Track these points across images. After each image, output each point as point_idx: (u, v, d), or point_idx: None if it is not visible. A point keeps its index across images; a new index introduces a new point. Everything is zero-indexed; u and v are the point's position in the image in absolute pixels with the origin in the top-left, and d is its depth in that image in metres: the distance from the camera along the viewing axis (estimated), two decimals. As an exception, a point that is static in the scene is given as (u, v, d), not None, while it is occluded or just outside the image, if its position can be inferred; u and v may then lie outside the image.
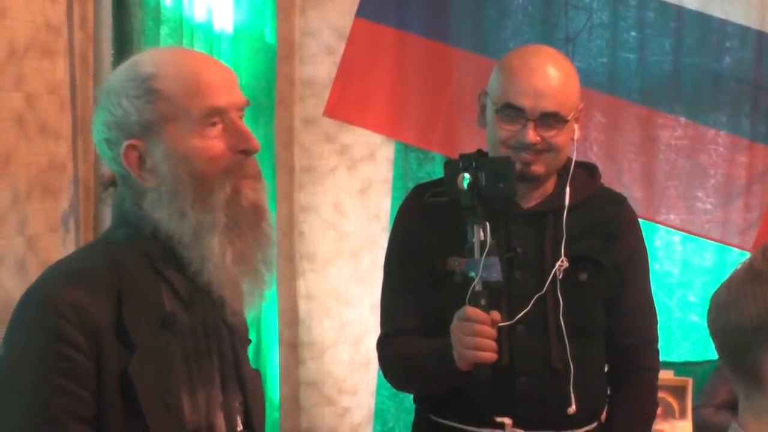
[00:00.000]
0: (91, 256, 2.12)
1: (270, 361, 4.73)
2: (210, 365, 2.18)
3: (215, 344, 2.19)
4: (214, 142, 2.10)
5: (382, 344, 3.07)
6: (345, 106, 4.34)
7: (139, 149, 2.08)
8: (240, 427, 2.23)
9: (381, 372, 3.19)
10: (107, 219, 3.18)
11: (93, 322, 2.00)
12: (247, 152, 2.13)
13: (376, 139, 4.87)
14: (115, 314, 2.03)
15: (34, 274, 2.85)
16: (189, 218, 2.07)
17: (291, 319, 4.83)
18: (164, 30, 3.60)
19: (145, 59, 2.15)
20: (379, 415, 4.97)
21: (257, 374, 2.33)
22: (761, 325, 1.82)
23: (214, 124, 2.10)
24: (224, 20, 4.22)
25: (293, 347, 4.90)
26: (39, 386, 1.98)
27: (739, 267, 1.90)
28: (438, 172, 4.69)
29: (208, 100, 2.09)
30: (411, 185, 3.91)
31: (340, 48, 4.42)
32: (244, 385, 2.25)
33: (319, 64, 4.83)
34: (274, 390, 4.79)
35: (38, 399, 1.98)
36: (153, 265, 2.10)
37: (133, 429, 2.03)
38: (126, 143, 2.08)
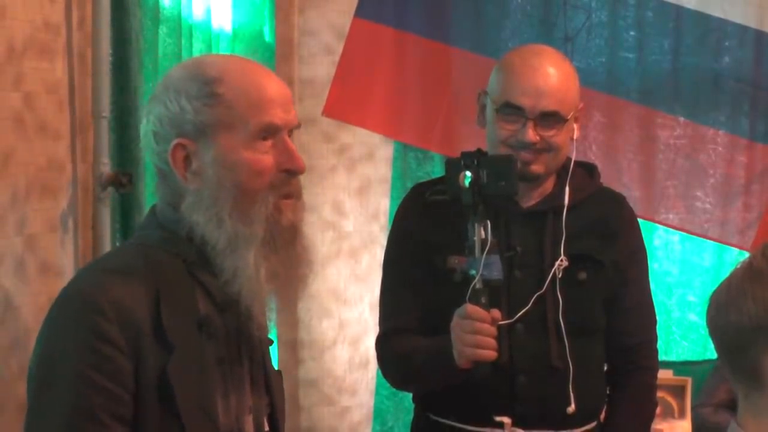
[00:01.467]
0: (128, 257, 2.13)
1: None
2: (241, 369, 2.20)
3: (246, 348, 2.21)
4: (263, 156, 2.11)
5: (381, 343, 3.07)
6: (344, 105, 4.33)
7: (187, 149, 2.09)
8: (266, 428, 2.25)
9: (380, 371, 3.19)
10: (106, 219, 3.18)
11: (133, 321, 2.01)
12: (293, 172, 2.15)
13: (375, 138, 4.87)
14: (154, 314, 2.04)
15: (32, 274, 2.85)
16: (226, 226, 2.08)
17: (290, 319, 4.83)
18: (163, 30, 3.60)
19: (210, 62, 2.16)
20: (379, 414, 4.97)
21: (279, 375, 2.35)
22: (760, 325, 1.82)
23: (265, 139, 2.11)
24: (223, 20, 4.22)
25: (292, 346, 4.89)
26: (79, 384, 1.99)
27: (738, 266, 1.90)
28: (437, 171, 4.69)
29: (266, 116, 2.10)
30: (410, 185, 3.91)
31: (339, 48, 4.41)
32: (271, 387, 2.27)
33: (318, 63, 4.83)
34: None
35: (78, 397, 1.98)
36: (188, 269, 2.11)
37: (169, 430, 2.05)
38: (176, 141, 2.08)
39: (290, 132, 2.17)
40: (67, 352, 2.01)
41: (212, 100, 2.08)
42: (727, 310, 1.87)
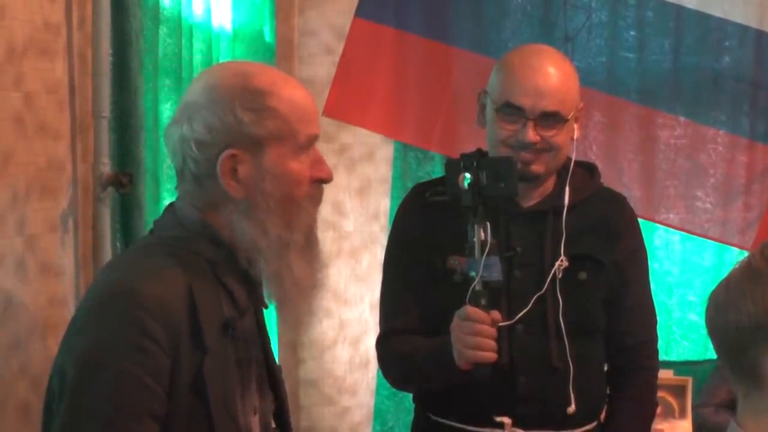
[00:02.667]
0: (159, 255, 2.13)
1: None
2: (251, 370, 2.23)
3: (254, 349, 2.25)
4: (303, 167, 2.16)
5: (382, 343, 3.07)
6: (344, 105, 4.33)
7: (236, 159, 2.11)
8: (273, 425, 2.27)
9: (380, 371, 3.19)
10: (106, 219, 3.18)
11: (174, 319, 2.04)
12: (324, 181, 2.21)
13: (375, 138, 4.87)
14: (191, 313, 2.06)
15: (33, 274, 2.85)
16: (271, 234, 2.12)
17: (290, 319, 4.82)
18: (163, 30, 3.60)
19: (256, 73, 2.18)
20: (379, 414, 4.97)
21: (280, 369, 2.38)
22: (760, 324, 1.82)
23: (306, 151, 2.16)
24: (223, 20, 4.22)
25: (293, 347, 4.89)
26: (121, 379, 1.99)
27: (737, 266, 1.90)
28: (437, 171, 4.69)
29: (312, 128, 2.18)
30: (410, 185, 3.91)
31: (339, 48, 4.41)
32: (276, 383, 2.31)
33: (318, 63, 4.83)
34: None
35: (123, 394, 1.99)
36: (213, 271, 2.13)
37: (196, 430, 2.07)
38: (229, 152, 2.10)
39: None
40: (112, 348, 2.01)
41: (267, 113, 2.12)
42: (726, 310, 1.87)
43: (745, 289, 1.84)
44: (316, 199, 2.22)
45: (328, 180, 2.22)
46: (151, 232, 2.26)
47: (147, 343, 2.00)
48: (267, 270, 2.14)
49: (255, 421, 2.23)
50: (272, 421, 2.30)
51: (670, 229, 4.66)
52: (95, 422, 1.99)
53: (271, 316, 4.67)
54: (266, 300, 2.24)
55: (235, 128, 2.11)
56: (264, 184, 2.12)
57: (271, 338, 2.42)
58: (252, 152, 2.12)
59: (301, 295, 2.20)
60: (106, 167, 3.16)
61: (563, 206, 2.94)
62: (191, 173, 2.15)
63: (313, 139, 2.18)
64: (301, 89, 2.22)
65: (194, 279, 2.09)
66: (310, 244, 2.21)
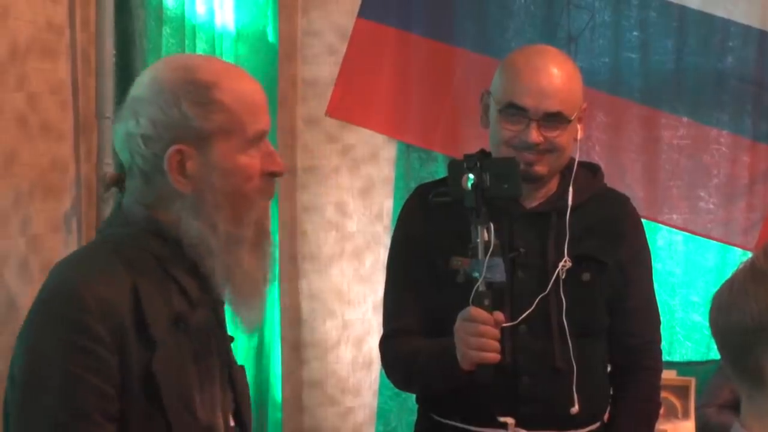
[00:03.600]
0: (102, 254, 2.12)
1: (273, 361, 4.73)
2: (212, 365, 2.21)
3: (215, 344, 2.22)
4: (253, 161, 2.14)
5: (385, 344, 3.07)
6: (347, 106, 4.33)
7: (183, 154, 2.09)
8: (232, 423, 2.25)
9: (383, 372, 3.19)
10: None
11: (116, 317, 2.02)
12: (276, 174, 2.18)
13: (379, 139, 4.86)
14: (134, 310, 2.05)
15: (36, 275, 2.85)
16: (220, 230, 2.10)
17: (293, 319, 4.82)
18: (166, 30, 3.60)
19: (201, 66, 2.16)
20: (382, 415, 4.97)
21: (242, 370, 2.36)
22: (763, 325, 1.82)
23: (256, 145, 2.14)
24: (226, 20, 4.22)
25: (296, 347, 4.89)
26: (70, 383, 1.98)
27: (740, 266, 1.90)
28: (440, 172, 4.69)
29: (260, 122, 2.15)
30: (413, 185, 3.90)
31: (342, 48, 4.41)
32: (235, 382, 2.29)
33: (322, 64, 4.83)
34: (276, 390, 4.79)
35: (70, 397, 1.98)
36: (162, 266, 2.12)
37: (153, 426, 2.06)
38: (175, 147, 2.08)
39: None
40: (53, 350, 2.00)
41: (212, 106, 2.10)
42: (729, 311, 1.87)
43: (749, 290, 1.84)
44: (268, 192, 2.19)
45: (280, 173, 2.18)
46: (99, 231, 2.25)
47: (89, 344, 1.99)
48: (216, 266, 2.12)
49: (219, 416, 2.21)
50: (231, 419, 2.27)
51: (673, 229, 4.66)
52: (45, 425, 1.99)
53: (273, 316, 4.68)
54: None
55: (180, 122, 2.09)
56: (212, 178, 2.10)
57: (264, 342, 2.41)
58: (199, 147, 2.09)
59: (252, 291, 2.17)
60: (110, 167, 3.16)
61: (566, 207, 2.94)
62: (139, 169, 2.14)
63: (261, 134, 2.15)
64: (249, 81, 2.18)
65: (139, 275, 2.08)
66: (260, 239, 2.18)
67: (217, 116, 2.10)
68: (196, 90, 2.10)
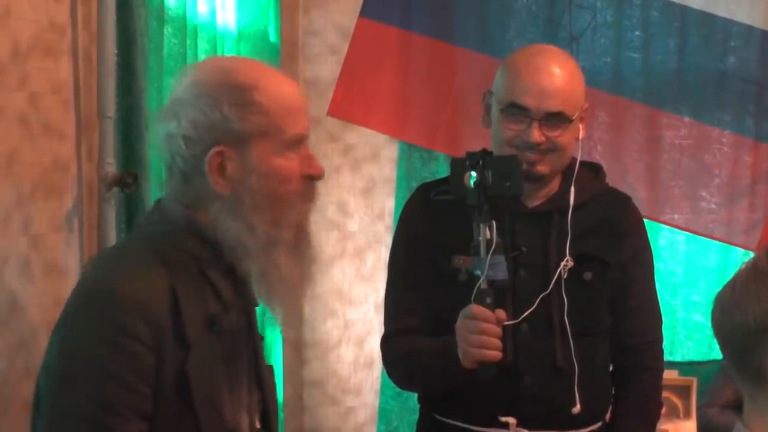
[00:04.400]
0: (142, 253, 2.12)
1: (274, 360, 4.73)
2: (241, 367, 2.22)
3: (244, 346, 2.23)
4: (291, 163, 2.15)
5: (386, 343, 3.07)
6: (349, 105, 4.34)
7: (224, 156, 2.10)
8: (258, 425, 2.26)
9: (385, 371, 3.19)
10: (111, 219, 3.17)
11: (155, 316, 2.03)
12: (314, 178, 2.19)
13: (380, 138, 4.87)
14: (172, 310, 2.06)
15: (38, 274, 2.85)
16: (258, 231, 2.11)
17: (295, 319, 4.83)
18: (168, 29, 3.60)
19: (241, 68, 2.17)
20: (383, 414, 4.97)
21: (270, 370, 2.37)
22: (765, 326, 1.82)
23: (294, 148, 2.14)
24: (228, 20, 4.22)
25: (297, 347, 4.90)
26: (104, 380, 1.99)
27: (742, 267, 1.90)
28: (442, 171, 4.69)
29: (299, 125, 2.16)
30: (415, 185, 3.90)
31: (344, 47, 4.42)
32: (262, 383, 2.29)
33: (323, 63, 4.83)
34: (278, 389, 4.79)
35: (104, 393, 1.99)
36: (199, 267, 2.12)
37: (183, 426, 2.07)
38: (216, 148, 2.09)
39: None
40: (92, 347, 2.01)
41: (252, 108, 2.11)
42: (731, 312, 1.87)
43: (751, 291, 1.84)
44: (308, 196, 2.20)
45: (318, 177, 2.20)
46: (137, 228, 2.25)
47: (128, 342, 1.99)
48: (253, 267, 2.13)
49: (245, 418, 2.23)
50: (257, 421, 2.28)
51: (675, 229, 4.66)
52: (80, 420, 1.99)
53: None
54: (256, 298, 2.24)
55: (221, 124, 2.09)
56: (250, 180, 2.10)
57: (264, 337, 2.42)
58: (238, 148, 2.10)
59: (288, 293, 2.18)
60: (111, 167, 3.15)
61: (568, 206, 2.93)
62: (179, 170, 2.14)
63: (300, 138, 2.16)
64: (288, 84, 2.20)
65: (177, 275, 2.09)
66: (299, 242, 2.19)
67: (255, 118, 2.11)
68: (235, 92, 2.11)
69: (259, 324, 2.37)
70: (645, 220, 3.17)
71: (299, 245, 2.19)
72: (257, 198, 2.11)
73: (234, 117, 2.09)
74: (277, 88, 2.15)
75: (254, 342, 2.30)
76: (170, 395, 2.04)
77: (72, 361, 2.03)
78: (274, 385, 2.37)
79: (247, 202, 2.10)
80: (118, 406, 1.99)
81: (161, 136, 2.16)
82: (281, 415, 4.77)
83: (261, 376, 2.30)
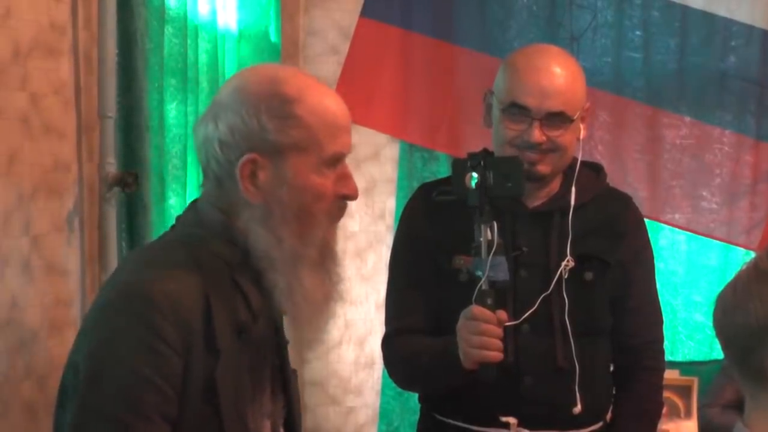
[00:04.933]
0: (178, 253, 2.11)
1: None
2: (264, 375, 2.22)
3: (269, 354, 2.23)
4: (327, 181, 2.13)
5: (387, 343, 3.06)
6: (349, 105, 4.30)
7: (256, 164, 2.08)
8: (281, 431, 2.26)
9: (386, 371, 3.18)
10: (112, 219, 3.18)
11: (187, 320, 2.02)
12: (348, 198, 2.18)
13: (381, 138, 4.87)
14: (205, 317, 2.05)
15: (38, 275, 2.85)
16: (285, 245, 2.09)
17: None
18: (168, 30, 3.60)
19: (286, 79, 2.14)
20: (384, 414, 4.97)
21: (295, 374, 2.37)
22: (763, 325, 1.82)
23: (332, 166, 2.13)
24: (228, 20, 4.22)
25: (298, 347, 4.89)
26: (133, 381, 1.98)
27: (744, 267, 1.90)
28: (442, 171, 4.69)
29: (339, 143, 2.14)
30: (416, 185, 3.91)
31: (345, 47, 4.42)
32: (288, 388, 2.29)
33: (324, 63, 4.84)
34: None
35: (129, 393, 1.98)
36: (231, 274, 2.12)
37: (207, 431, 2.06)
38: (249, 156, 2.08)
39: None
40: (123, 347, 1.99)
41: (291, 121, 2.09)
42: (733, 312, 1.87)
43: (753, 291, 1.84)
44: (337, 215, 2.18)
45: (352, 197, 2.18)
46: (173, 227, 2.25)
47: (158, 345, 1.99)
48: (278, 281, 2.11)
49: (267, 426, 2.22)
50: (281, 428, 2.28)
51: (676, 229, 4.66)
52: (105, 420, 1.98)
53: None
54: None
55: (257, 133, 2.08)
56: (282, 192, 2.09)
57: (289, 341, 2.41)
58: (273, 159, 2.08)
59: (311, 310, 2.16)
60: (112, 167, 3.15)
61: (569, 206, 2.93)
62: (214, 174, 2.14)
63: (339, 156, 2.15)
64: (334, 101, 2.17)
65: (211, 281, 2.07)
66: (324, 260, 2.16)
67: (295, 131, 2.09)
68: (278, 103, 2.09)
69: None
70: (646, 220, 3.16)
71: (325, 263, 2.17)
72: (286, 211, 2.09)
73: (272, 128, 2.08)
74: (322, 104, 2.13)
75: (280, 348, 2.30)
76: (196, 400, 2.03)
77: (101, 359, 2.01)
78: (297, 388, 2.37)
79: (276, 213, 2.09)
80: (145, 408, 1.98)
81: (199, 136, 2.15)
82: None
83: (286, 380, 2.30)
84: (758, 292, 1.83)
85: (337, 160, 2.15)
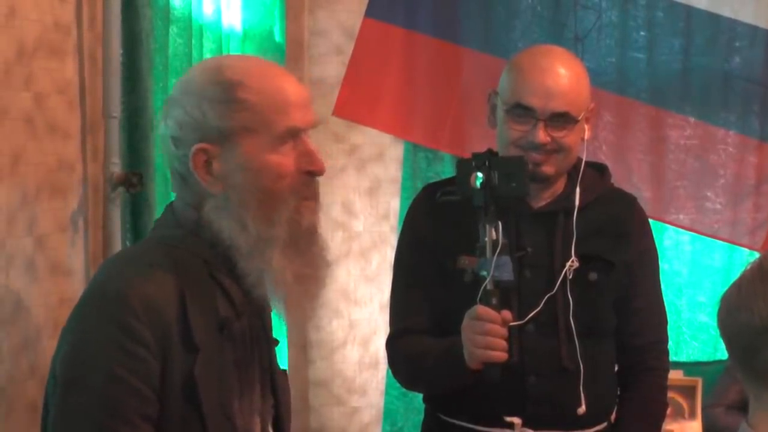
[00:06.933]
0: (154, 255, 2.11)
1: (279, 361, 4.73)
2: (253, 372, 2.21)
3: (257, 351, 2.22)
4: (285, 159, 2.11)
5: (392, 343, 3.07)
6: (354, 105, 4.34)
7: (209, 154, 2.08)
8: (270, 431, 2.25)
9: (390, 371, 3.19)
10: (116, 219, 3.18)
11: (161, 320, 2.02)
12: (314, 174, 2.15)
13: (385, 138, 4.87)
14: (180, 314, 2.04)
15: (43, 274, 2.85)
16: (250, 230, 2.08)
17: (300, 319, 4.83)
18: (173, 30, 3.60)
19: (230, 64, 2.15)
20: (388, 414, 4.97)
21: (285, 375, 2.36)
22: (765, 325, 1.82)
23: (287, 142, 2.11)
24: (233, 20, 4.22)
25: (302, 347, 4.90)
26: (110, 384, 1.98)
27: (748, 267, 1.90)
28: (447, 171, 4.69)
29: (289, 119, 2.11)
30: (420, 185, 3.91)
31: (349, 48, 4.42)
32: (276, 388, 2.28)
33: (328, 63, 4.84)
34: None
35: (109, 397, 1.98)
36: (209, 270, 2.11)
37: (190, 431, 2.05)
38: (197, 146, 2.08)
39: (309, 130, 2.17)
40: (98, 350, 2.00)
41: (235, 105, 2.08)
42: (737, 312, 1.87)
43: (757, 291, 1.84)
44: (305, 192, 2.14)
45: (317, 173, 2.15)
46: (152, 230, 2.25)
47: (133, 346, 1.98)
48: (249, 268, 2.10)
49: (257, 423, 2.21)
50: (270, 428, 2.27)
51: (680, 229, 4.66)
52: (85, 424, 1.99)
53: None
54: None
55: (201, 122, 2.08)
56: (239, 177, 2.08)
57: (280, 341, 2.41)
58: (223, 146, 2.08)
59: (283, 292, 2.13)
60: (117, 167, 3.16)
61: (574, 207, 2.93)
62: (176, 171, 2.14)
63: (291, 131, 2.12)
64: (280, 79, 2.15)
65: (187, 280, 2.07)
66: (297, 240, 2.13)
67: (240, 115, 2.08)
68: (220, 89, 2.09)
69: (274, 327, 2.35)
70: (650, 221, 3.16)
71: (298, 244, 2.14)
72: (246, 195, 2.08)
73: (216, 114, 2.07)
74: (266, 83, 2.12)
75: (269, 346, 2.29)
76: (178, 399, 2.03)
77: (76, 364, 2.02)
78: (288, 390, 2.36)
79: (236, 199, 2.08)
80: (124, 411, 1.98)
81: (159, 137, 2.17)
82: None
83: (275, 381, 2.29)
84: (762, 292, 1.83)
85: (291, 136, 2.12)
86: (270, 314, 2.29)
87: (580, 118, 2.89)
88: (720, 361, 4.73)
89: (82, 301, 2.09)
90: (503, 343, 2.71)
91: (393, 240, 4.69)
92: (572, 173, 2.99)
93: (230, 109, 2.08)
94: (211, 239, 2.11)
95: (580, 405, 2.91)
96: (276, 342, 2.36)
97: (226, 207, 2.09)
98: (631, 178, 4.33)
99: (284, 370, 2.37)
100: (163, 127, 2.14)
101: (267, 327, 2.30)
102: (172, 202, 2.22)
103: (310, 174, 2.15)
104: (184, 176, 2.13)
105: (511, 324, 2.76)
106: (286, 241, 2.11)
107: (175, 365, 2.03)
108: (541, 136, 2.85)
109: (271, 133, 2.10)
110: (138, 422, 1.99)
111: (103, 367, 1.99)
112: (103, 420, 1.98)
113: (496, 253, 2.69)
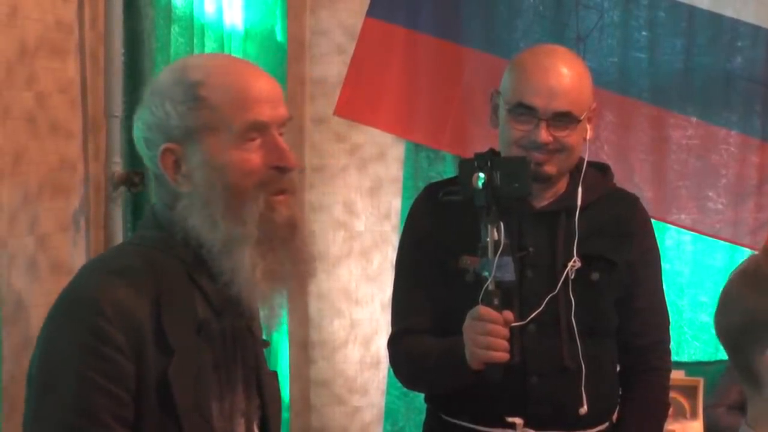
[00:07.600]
0: (128, 257, 2.11)
1: (280, 360, 4.73)
2: (235, 372, 2.19)
3: (240, 351, 2.21)
4: (251, 155, 2.10)
5: (393, 343, 3.07)
6: (355, 105, 4.34)
7: (175, 153, 2.09)
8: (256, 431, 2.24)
9: (391, 371, 3.18)
10: (118, 218, 3.18)
11: (134, 323, 2.01)
12: (283, 169, 2.13)
13: (387, 138, 4.87)
14: (155, 316, 2.04)
15: (44, 274, 2.85)
16: (220, 228, 2.07)
17: (301, 319, 4.83)
18: (175, 29, 3.60)
19: (194, 64, 2.15)
20: (390, 414, 4.97)
21: (274, 376, 2.34)
22: (746, 326, 1.84)
23: (253, 139, 2.10)
24: (235, 19, 4.22)
25: (304, 347, 4.90)
26: (81, 386, 1.98)
27: (736, 268, 1.93)
28: (448, 171, 4.69)
29: (251, 115, 2.09)
30: (421, 185, 3.91)
31: (351, 47, 4.42)
32: (263, 389, 2.26)
33: (330, 63, 4.83)
34: (284, 390, 4.79)
35: (81, 399, 1.98)
36: (187, 271, 2.11)
37: None
38: (164, 146, 2.09)
39: (282, 126, 2.15)
40: (69, 354, 1.99)
41: (196, 103, 2.08)
42: (723, 312, 1.90)
43: (741, 293, 1.88)
44: (272, 187, 2.11)
45: (287, 168, 2.13)
46: (135, 232, 2.25)
47: (106, 350, 1.98)
48: (222, 266, 2.09)
49: (241, 424, 2.20)
50: (256, 428, 2.25)
51: (682, 229, 4.66)
52: (57, 426, 1.99)
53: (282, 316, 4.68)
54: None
55: (166, 122, 2.08)
56: (204, 175, 2.07)
57: (270, 342, 2.39)
58: (188, 145, 2.08)
59: (252, 291, 2.11)
60: (118, 166, 3.16)
61: (576, 206, 2.93)
62: (152, 173, 2.16)
63: (256, 127, 2.09)
64: (246, 76, 2.14)
65: (164, 281, 2.07)
66: (270, 237, 2.11)
67: (201, 113, 2.08)
68: (182, 89, 2.09)
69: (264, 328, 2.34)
70: (652, 221, 3.16)
71: (272, 241, 2.11)
72: (212, 193, 2.07)
73: (179, 114, 2.08)
74: (228, 80, 2.11)
75: (254, 346, 2.27)
76: (152, 402, 2.03)
77: (50, 367, 2.02)
78: (277, 390, 2.34)
79: (204, 198, 2.07)
80: (98, 413, 1.98)
81: (135, 140, 2.17)
82: (287, 415, 4.77)
83: (262, 381, 2.28)
84: (744, 293, 1.88)
85: (254, 131, 2.10)
86: (257, 314, 2.28)
87: (582, 117, 2.89)
88: (721, 361, 4.73)
89: (56, 306, 2.08)
90: (505, 344, 2.71)
91: (394, 240, 4.69)
92: (574, 173, 2.99)
93: (191, 108, 2.08)
94: (185, 239, 2.10)
95: (581, 405, 2.91)
96: (266, 344, 2.34)
97: (195, 205, 2.08)
98: (633, 178, 4.33)
99: (274, 371, 2.36)
100: (134, 129, 2.15)
101: (253, 327, 2.27)
102: (153, 204, 2.22)
103: (279, 170, 2.12)
104: (159, 177, 2.14)
105: (513, 324, 2.76)
106: (258, 238, 2.09)
107: (149, 368, 2.02)
108: (544, 135, 2.85)
109: (233, 129, 2.08)
110: (112, 424, 1.98)
111: (74, 370, 1.98)
112: (76, 422, 1.97)
113: (498, 254, 2.68)
